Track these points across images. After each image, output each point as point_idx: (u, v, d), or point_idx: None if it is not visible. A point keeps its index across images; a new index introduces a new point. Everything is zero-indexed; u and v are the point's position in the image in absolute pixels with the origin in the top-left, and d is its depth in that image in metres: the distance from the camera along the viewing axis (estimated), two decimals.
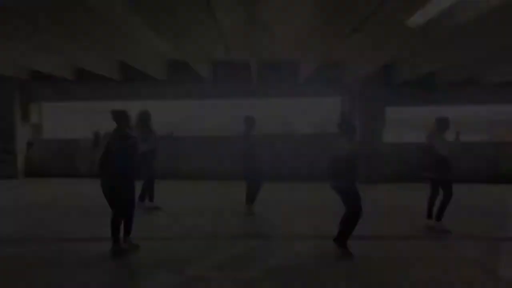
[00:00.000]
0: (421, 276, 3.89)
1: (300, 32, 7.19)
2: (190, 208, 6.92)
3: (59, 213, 6.53)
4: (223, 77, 10.15)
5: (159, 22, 5.56)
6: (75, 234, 5.26)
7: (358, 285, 3.73)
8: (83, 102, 11.05)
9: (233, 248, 4.73)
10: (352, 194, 4.47)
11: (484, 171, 10.37)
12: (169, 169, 10.36)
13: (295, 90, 10.21)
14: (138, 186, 5.49)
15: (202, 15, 6.21)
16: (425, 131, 5.74)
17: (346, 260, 4.36)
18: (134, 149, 4.48)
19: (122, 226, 4.55)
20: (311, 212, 6.63)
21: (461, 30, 5.33)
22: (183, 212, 6.61)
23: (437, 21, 4.66)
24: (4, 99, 10.53)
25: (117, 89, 10.18)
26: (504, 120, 13.39)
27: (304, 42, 7.86)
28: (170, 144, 10.53)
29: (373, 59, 7.69)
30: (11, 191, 8.88)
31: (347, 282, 3.78)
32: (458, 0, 3.91)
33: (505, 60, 8.18)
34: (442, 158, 5.36)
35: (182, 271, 3.98)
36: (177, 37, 6.41)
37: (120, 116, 4.47)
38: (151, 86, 10.16)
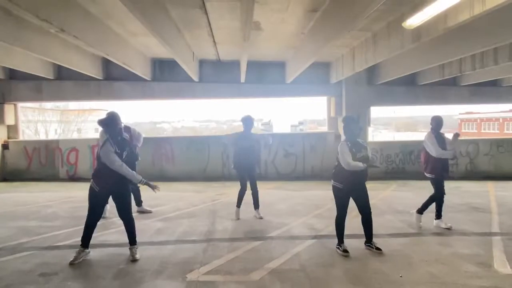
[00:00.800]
0: (421, 272, 3.99)
1: (292, 32, 7.20)
2: (183, 210, 6.78)
3: (41, 219, 6.23)
4: (209, 76, 10.02)
5: (149, 18, 5.38)
6: (63, 241, 5.03)
7: (361, 283, 3.77)
8: (62, 102, 10.59)
9: (234, 250, 4.66)
10: (335, 197, 4.67)
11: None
12: (154, 171, 10.12)
13: (282, 90, 10.24)
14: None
15: (194, 14, 6.09)
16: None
17: (345, 259, 4.40)
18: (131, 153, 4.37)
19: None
20: (304, 212, 6.66)
21: (450, 33, 5.50)
22: (176, 215, 6.46)
23: (430, 23, 4.78)
24: None
25: (99, 88, 9.83)
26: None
27: (295, 42, 7.89)
28: (156, 145, 10.33)
29: (362, 60, 7.82)
30: None
31: (349, 283, 3.81)
32: (455, 4, 4.02)
33: (484, 62, 8.53)
34: (435, 158, 5.49)
35: (185, 277, 3.88)
36: (166, 34, 6.24)
37: (111, 121, 4.32)
38: (136, 85, 9.88)
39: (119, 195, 4.38)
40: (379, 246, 4.62)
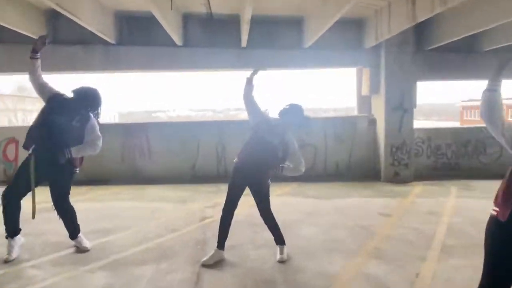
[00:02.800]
0: None
1: None
2: (151, 242, 4.12)
3: None
4: (198, 39, 7.26)
5: None
6: None
7: None
8: None
9: None
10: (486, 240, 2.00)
11: None
12: (124, 169, 7.44)
13: (298, 58, 7.50)
14: None
15: None
16: None
17: None
18: None
19: None
20: (352, 244, 4.03)
21: None
22: (138, 253, 3.81)
23: None
24: None
25: (44, 54, 6.99)
26: None
27: None
28: (126, 133, 7.63)
29: (407, 13, 5.18)
30: None
31: None
32: None
33: None
34: None
35: None
36: None
37: None
38: (94, 50, 7.10)
39: None
40: None
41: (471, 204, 5.83)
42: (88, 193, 6.54)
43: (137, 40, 7.14)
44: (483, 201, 6.02)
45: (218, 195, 6.13)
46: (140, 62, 7.17)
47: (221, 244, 3.55)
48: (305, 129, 3.48)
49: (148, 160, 7.54)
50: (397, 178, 7.48)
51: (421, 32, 7.40)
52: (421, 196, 6.35)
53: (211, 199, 6.02)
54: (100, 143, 3.72)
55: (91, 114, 3.71)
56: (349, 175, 7.75)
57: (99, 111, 3.80)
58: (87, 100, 3.71)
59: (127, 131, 7.64)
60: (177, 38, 6.80)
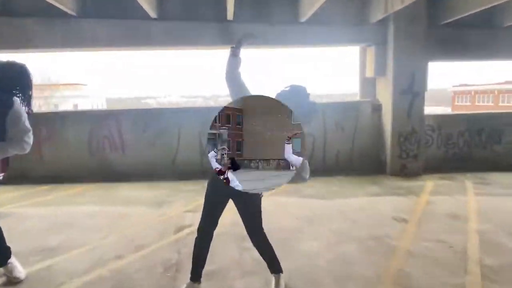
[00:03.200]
0: None
1: None
2: (106, 267, 3.18)
3: None
4: (176, 11, 6.19)
5: None
6: None
7: None
8: None
9: None
10: None
11: None
12: (92, 164, 6.44)
13: (293, 34, 6.48)
14: None
15: None
16: None
17: None
18: None
19: None
20: (367, 266, 3.15)
21: None
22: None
23: None
24: None
25: None
26: None
27: None
28: (95, 123, 6.60)
29: None
30: None
31: None
32: None
33: None
34: None
35: None
36: None
37: None
38: (53, 24, 5.98)
39: None
40: None
41: (495, 204, 5.00)
42: (46, 194, 5.54)
43: (104, 12, 6.03)
44: (507, 199, 5.23)
45: (201, 195, 5.15)
46: (107, 38, 6.06)
47: (196, 275, 2.63)
48: (311, 118, 2.49)
49: (121, 153, 6.52)
50: (404, 171, 6.63)
51: (434, 4, 6.45)
52: (436, 194, 5.50)
53: (192, 201, 5.10)
54: (29, 139, 2.73)
55: (15, 99, 2.70)
56: (350, 168, 6.87)
57: (28, 95, 2.79)
58: (9, 79, 2.70)
59: (95, 120, 6.59)
60: (150, 10, 5.73)
